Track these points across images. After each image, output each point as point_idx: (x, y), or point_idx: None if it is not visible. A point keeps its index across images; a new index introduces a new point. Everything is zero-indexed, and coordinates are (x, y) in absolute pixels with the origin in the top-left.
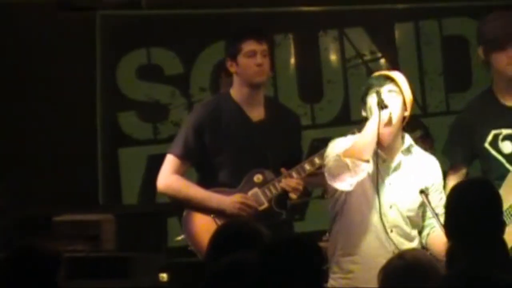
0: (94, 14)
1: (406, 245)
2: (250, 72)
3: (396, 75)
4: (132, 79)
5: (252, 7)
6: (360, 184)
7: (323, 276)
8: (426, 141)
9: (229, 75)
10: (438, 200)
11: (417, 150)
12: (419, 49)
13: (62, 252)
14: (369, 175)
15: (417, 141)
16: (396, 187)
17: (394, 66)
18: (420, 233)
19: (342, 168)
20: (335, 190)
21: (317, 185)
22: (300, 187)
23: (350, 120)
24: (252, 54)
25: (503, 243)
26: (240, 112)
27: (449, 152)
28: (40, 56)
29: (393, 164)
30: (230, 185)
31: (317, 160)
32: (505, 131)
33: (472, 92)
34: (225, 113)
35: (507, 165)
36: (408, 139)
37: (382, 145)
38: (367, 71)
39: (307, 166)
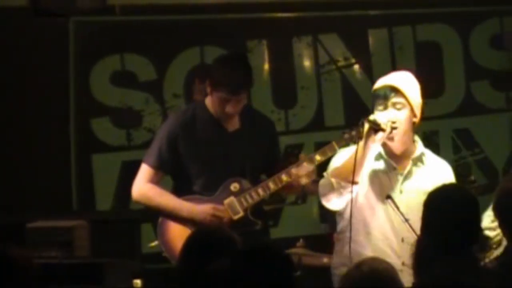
0: (68, 20)
1: None
2: (221, 110)
3: (401, 83)
4: (105, 85)
5: (226, 14)
6: (372, 195)
7: (293, 283)
8: None
9: (203, 81)
10: None
11: (429, 156)
12: (392, 55)
13: (35, 259)
14: (381, 184)
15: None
16: (407, 195)
17: (367, 72)
18: None
19: (328, 187)
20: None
21: (299, 191)
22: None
23: (324, 126)
24: (226, 101)
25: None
26: (215, 122)
27: None
28: (14, 61)
29: (404, 172)
30: (205, 194)
31: (293, 171)
32: None
33: (445, 98)
34: (200, 123)
35: None
36: (420, 147)
37: (393, 153)
38: (341, 77)
39: (284, 177)
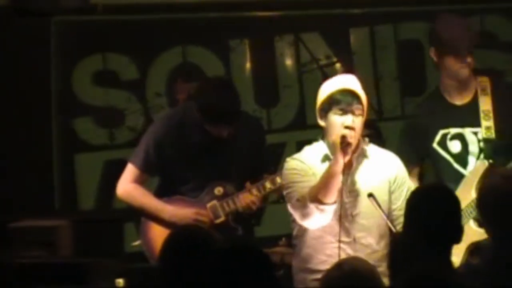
0: (50, 20)
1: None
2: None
3: (359, 89)
4: (87, 84)
5: (208, 12)
6: None
7: (275, 282)
8: (376, 142)
9: (186, 81)
10: (405, 194)
11: (373, 150)
12: (374, 54)
13: (18, 259)
14: None
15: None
16: (355, 195)
17: (349, 70)
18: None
19: (309, 213)
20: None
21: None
22: (254, 207)
23: (306, 124)
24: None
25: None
26: (201, 126)
27: (401, 154)
28: None
29: (350, 172)
30: (193, 197)
31: (278, 180)
32: (453, 130)
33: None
34: (188, 127)
35: (455, 165)
36: (361, 144)
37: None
38: (323, 76)
39: (268, 185)
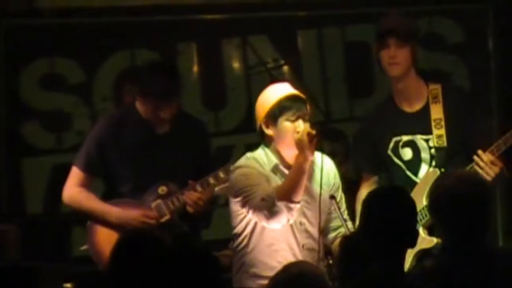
0: None
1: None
2: (154, 115)
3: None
4: (34, 88)
5: (155, 16)
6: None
7: (223, 285)
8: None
9: (133, 84)
10: (339, 199)
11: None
12: (322, 56)
13: None
14: None
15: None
16: (303, 203)
17: (297, 73)
18: (325, 233)
19: (277, 212)
20: (242, 215)
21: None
22: (201, 202)
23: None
24: (158, 108)
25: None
26: (144, 125)
27: (356, 162)
28: None
29: None
30: (134, 197)
31: (221, 174)
32: (405, 138)
33: (375, 98)
34: (129, 126)
35: (407, 172)
36: None
37: (287, 164)
38: (270, 78)
39: (212, 180)
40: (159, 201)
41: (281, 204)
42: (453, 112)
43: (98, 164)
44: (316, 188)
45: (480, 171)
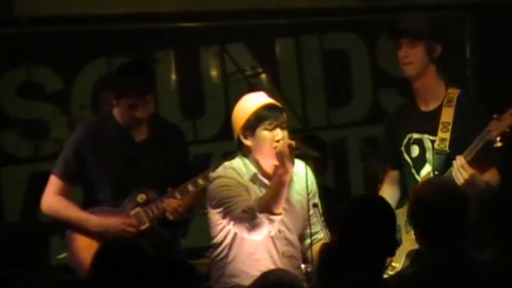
0: None
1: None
2: (130, 116)
3: (275, 101)
4: (12, 97)
5: (133, 24)
6: None
7: None
8: (321, 162)
9: (110, 92)
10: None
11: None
12: (300, 64)
13: None
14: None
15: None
16: (283, 211)
17: (275, 81)
18: (302, 239)
19: (259, 224)
20: (221, 224)
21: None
22: (180, 209)
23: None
24: (133, 107)
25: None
26: (122, 132)
27: (379, 157)
28: None
29: None
30: (113, 204)
31: (200, 182)
32: (415, 135)
33: (353, 105)
34: (107, 133)
35: (412, 170)
36: None
37: (267, 173)
38: (248, 86)
39: (191, 187)
40: (138, 209)
41: (262, 216)
42: (463, 119)
43: (76, 172)
44: (294, 195)
45: (453, 175)
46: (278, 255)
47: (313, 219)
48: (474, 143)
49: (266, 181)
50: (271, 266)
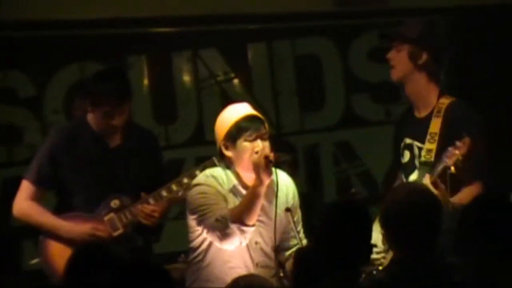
0: None
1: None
2: (106, 124)
3: (257, 112)
4: None
5: (105, 29)
6: None
7: None
8: (292, 166)
9: (83, 98)
10: (297, 218)
11: (277, 174)
12: (272, 69)
13: None
14: None
15: (283, 164)
16: (259, 223)
17: (247, 86)
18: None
19: (230, 234)
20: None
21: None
22: (155, 214)
23: (205, 140)
24: (109, 115)
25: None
26: (96, 138)
27: (394, 160)
28: None
29: None
30: (87, 210)
31: (174, 187)
32: (408, 140)
33: (325, 110)
34: (81, 139)
35: (403, 174)
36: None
37: (245, 184)
38: (221, 91)
39: (164, 193)
40: (112, 214)
41: (234, 226)
42: (449, 131)
43: (50, 178)
44: (274, 208)
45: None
46: (253, 264)
47: (292, 232)
48: (437, 165)
49: (244, 191)
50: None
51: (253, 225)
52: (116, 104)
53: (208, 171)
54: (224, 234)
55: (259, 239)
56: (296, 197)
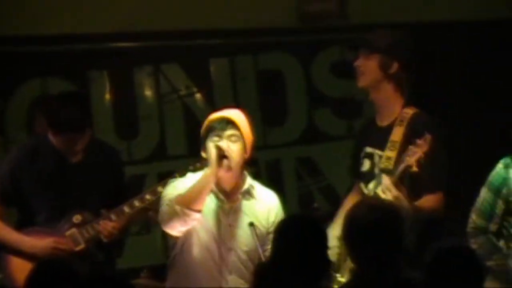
0: None
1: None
2: (64, 149)
3: (237, 117)
4: None
5: (67, 44)
6: (201, 227)
7: None
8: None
9: (44, 114)
10: None
11: (258, 189)
12: (234, 84)
13: None
14: (211, 219)
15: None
16: (236, 229)
17: (209, 101)
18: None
19: (172, 215)
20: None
21: (143, 221)
22: (115, 231)
23: (167, 155)
24: (71, 141)
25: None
26: (57, 154)
27: (351, 171)
28: None
29: (234, 206)
30: (49, 226)
31: (136, 203)
32: (368, 149)
33: (288, 125)
34: (43, 156)
35: (362, 183)
36: (248, 181)
37: (222, 189)
38: (183, 106)
39: (127, 209)
40: (73, 230)
41: (178, 208)
42: (410, 140)
43: (11, 194)
44: (247, 221)
45: (381, 194)
46: (228, 273)
47: (250, 239)
48: (397, 166)
49: (221, 195)
50: (221, 281)
51: (198, 211)
52: (77, 130)
53: (180, 179)
54: (167, 218)
55: (235, 246)
56: (279, 217)
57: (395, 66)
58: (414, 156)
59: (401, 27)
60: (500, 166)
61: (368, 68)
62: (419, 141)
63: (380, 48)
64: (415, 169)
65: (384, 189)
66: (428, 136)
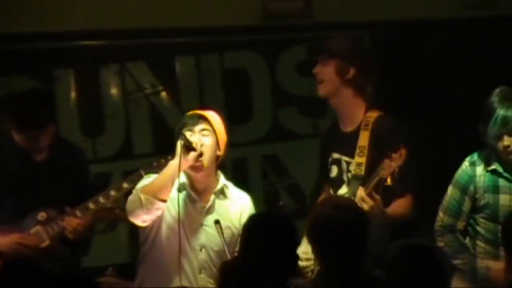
0: None
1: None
2: (28, 146)
3: (210, 114)
4: None
5: (32, 43)
6: (171, 225)
7: None
8: None
9: (8, 112)
10: None
11: (231, 189)
12: (200, 83)
13: None
14: (183, 217)
15: None
16: (208, 229)
17: (175, 99)
18: None
19: (136, 203)
20: (146, 229)
21: (108, 219)
22: (80, 228)
23: (132, 154)
24: (34, 137)
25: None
26: (21, 152)
27: (319, 173)
28: None
29: (206, 206)
30: (14, 224)
31: (101, 200)
32: (335, 155)
33: (253, 124)
34: (6, 154)
35: (331, 189)
36: (222, 180)
37: (195, 187)
38: (149, 105)
39: (92, 205)
40: (38, 227)
41: (143, 197)
42: (377, 143)
43: None
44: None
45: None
46: (193, 269)
47: (216, 237)
48: (371, 177)
49: (193, 194)
50: (192, 279)
51: (163, 201)
52: (39, 127)
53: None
54: (132, 205)
55: (204, 244)
56: None
57: (352, 71)
58: (389, 169)
59: (367, 26)
60: (466, 164)
61: (326, 76)
62: (394, 155)
63: (337, 54)
64: (389, 183)
65: (360, 200)
66: (403, 151)
